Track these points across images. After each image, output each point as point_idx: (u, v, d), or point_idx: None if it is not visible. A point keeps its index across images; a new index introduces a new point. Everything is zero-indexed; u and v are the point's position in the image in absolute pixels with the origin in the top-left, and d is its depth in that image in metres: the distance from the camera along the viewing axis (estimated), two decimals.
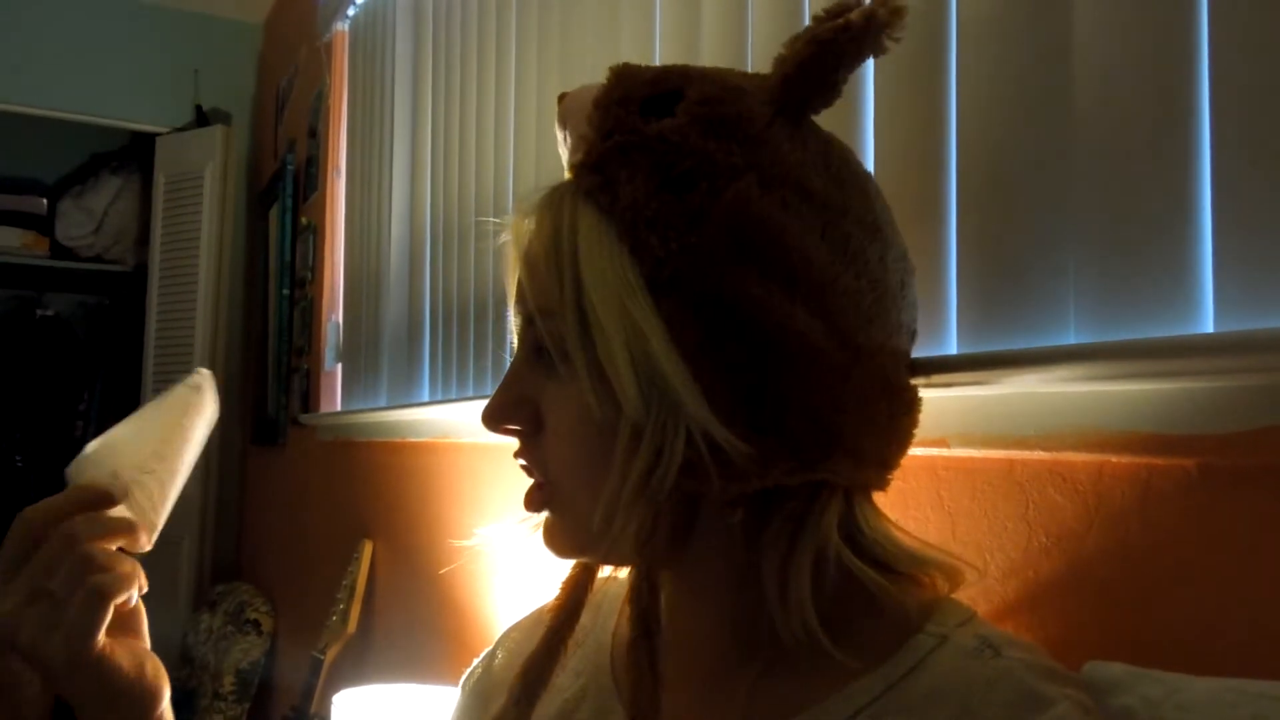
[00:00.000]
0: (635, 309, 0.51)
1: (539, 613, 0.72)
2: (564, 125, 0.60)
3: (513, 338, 0.63)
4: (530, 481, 0.60)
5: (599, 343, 0.52)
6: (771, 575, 0.53)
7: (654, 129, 0.54)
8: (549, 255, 0.55)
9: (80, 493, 0.63)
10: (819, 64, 0.54)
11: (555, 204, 0.56)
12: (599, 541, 0.55)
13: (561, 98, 0.61)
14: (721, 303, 0.51)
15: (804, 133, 0.56)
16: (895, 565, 0.55)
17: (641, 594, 0.54)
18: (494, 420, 0.59)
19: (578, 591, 0.65)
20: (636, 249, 0.52)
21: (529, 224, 0.57)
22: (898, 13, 0.53)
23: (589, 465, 0.55)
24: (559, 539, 0.60)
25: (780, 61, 0.56)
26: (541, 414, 0.58)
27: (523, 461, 0.60)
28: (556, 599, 0.65)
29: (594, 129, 0.55)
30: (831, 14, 0.55)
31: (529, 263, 0.57)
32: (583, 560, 0.65)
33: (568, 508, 0.58)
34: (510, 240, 0.60)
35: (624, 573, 0.71)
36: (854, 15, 0.54)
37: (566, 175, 0.59)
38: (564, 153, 0.61)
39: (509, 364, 0.61)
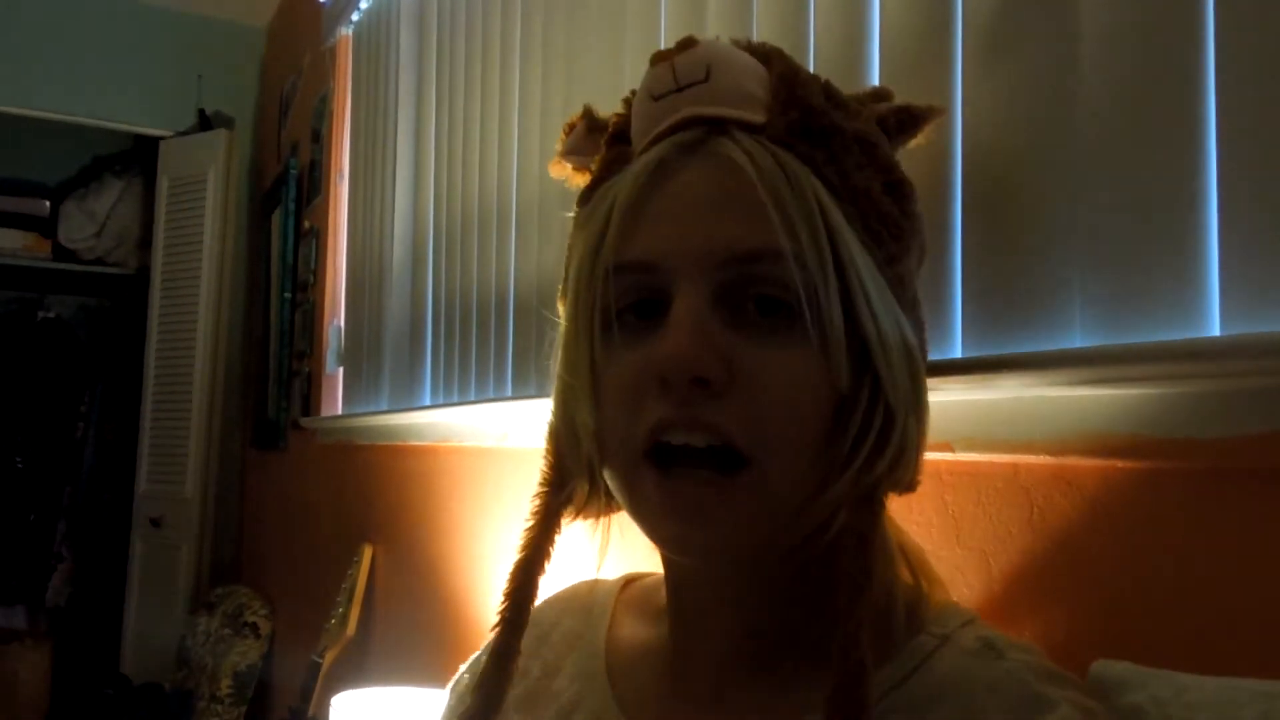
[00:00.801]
0: (889, 295, 0.52)
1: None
2: (702, 69, 0.54)
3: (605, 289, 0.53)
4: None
5: (866, 319, 0.50)
6: (847, 582, 0.50)
7: (858, 126, 0.55)
8: (794, 200, 0.50)
9: None
10: (902, 129, 0.61)
11: (769, 150, 0.51)
12: (780, 535, 0.53)
13: (688, 40, 0.55)
14: (915, 308, 0.56)
15: None
16: (916, 563, 0.57)
17: (858, 591, 0.49)
18: (691, 366, 0.49)
19: (524, 604, 0.62)
20: (867, 238, 0.52)
21: (736, 150, 0.51)
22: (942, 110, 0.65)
23: (808, 445, 0.50)
24: (724, 530, 0.51)
25: (864, 106, 0.60)
26: (736, 370, 0.49)
27: (675, 427, 0.50)
28: (500, 614, 0.62)
29: (790, 99, 0.54)
30: (880, 96, 0.64)
31: (771, 195, 0.49)
32: (527, 566, 0.62)
33: (762, 496, 0.50)
34: (642, 171, 0.53)
35: (612, 574, 0.71)
36: (933, 106, 0.63)
37: (658, 117, 0.55)
38: (674, 94, 0.54)
39: (677, 308, 0.50)
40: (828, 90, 0.57)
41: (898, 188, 0.55)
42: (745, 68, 0.55)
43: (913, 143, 0.64)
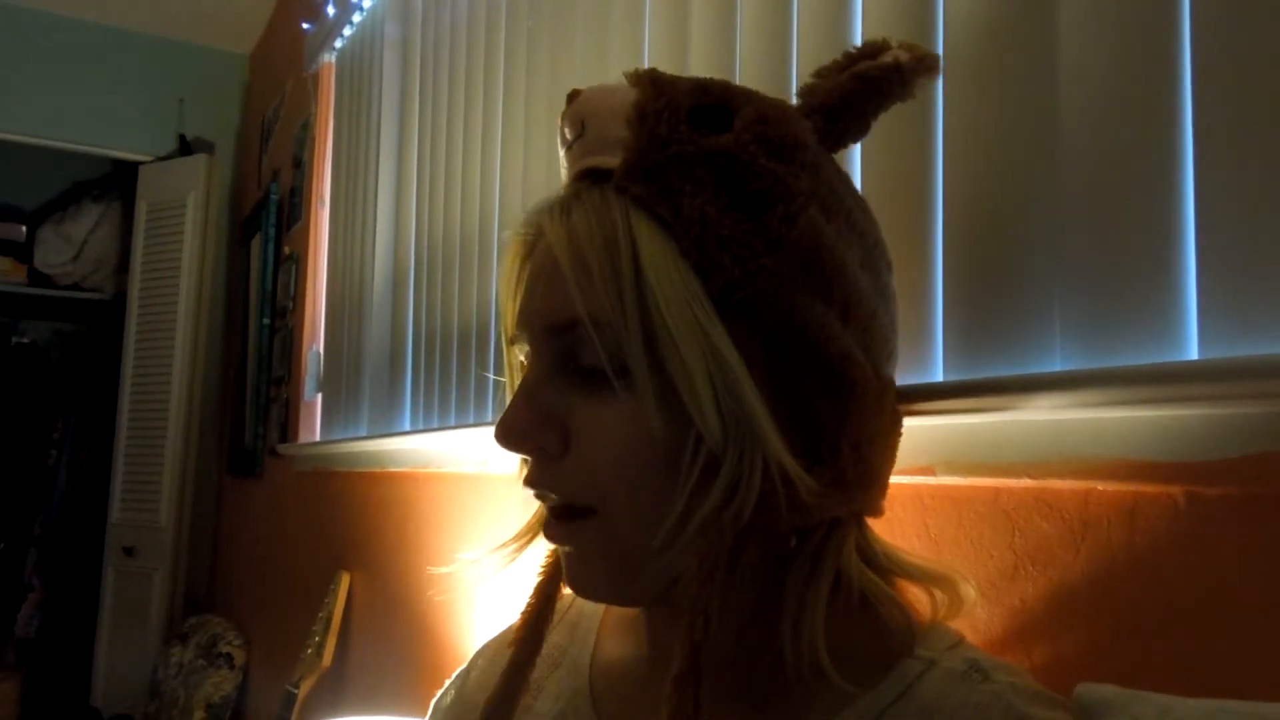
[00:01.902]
0: (712, 331, 0.49)
1: (510, 631, 0.71)
2: (578, 124, 0.55)
3: (518, 355, 0.59)
4: (522, 514, 0.59)
5: (672, 363, 0.49)
6: (792, 604, 0.52)
7: (714, 143, 0.51)
8: (602, 260, 0.50)
9: None
10: (863, 100, 0.57)
11: (598, 206, 0.51)
12: (642, 574, 0.53)
13: (574, 94, 0.56)
14: (791, 331, 0.50)
15: (835, 162, 0.57)
16: (912, 578, 0.56)
17: (695, 629, 0.49)
18: (519, 438, 0.54)
19: (540, 623, 0.63)
20: (704, 268, 0.49)
21: (555, 225, 0.52)
22: (935, 62, 0.58)
23: (642, 490, 0.51)
24: (593, 570, 0.55)
25: (813, 91, 0.58)
26: (569, 433, 0.53)
27: (532, 489, 0.56)
28: (518, 632, 0.63)
29: (638, 134, 0.52)
30: (865, 53, 0.59)
31: (573, 265, 0.51)
32: (546, 588, 0.63)
33: (610, 536, 0.53)
34: (518, 242, 0.57)
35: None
36: (902, 58, 0.57)
37: (566, 174, 0.57)
38: (566, 152, 0.57)
39: (521, 380, 0.56)
40: (713, 102, 0.53)
41: (758, 199, 0.50)
42: (614, 111, 0.53)
43: (904, 101, 0.60)
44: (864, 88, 0.57)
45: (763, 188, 0.51)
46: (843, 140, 0.59)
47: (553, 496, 0.55)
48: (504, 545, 0.63)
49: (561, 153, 0.58)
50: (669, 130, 0.51)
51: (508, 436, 0.54)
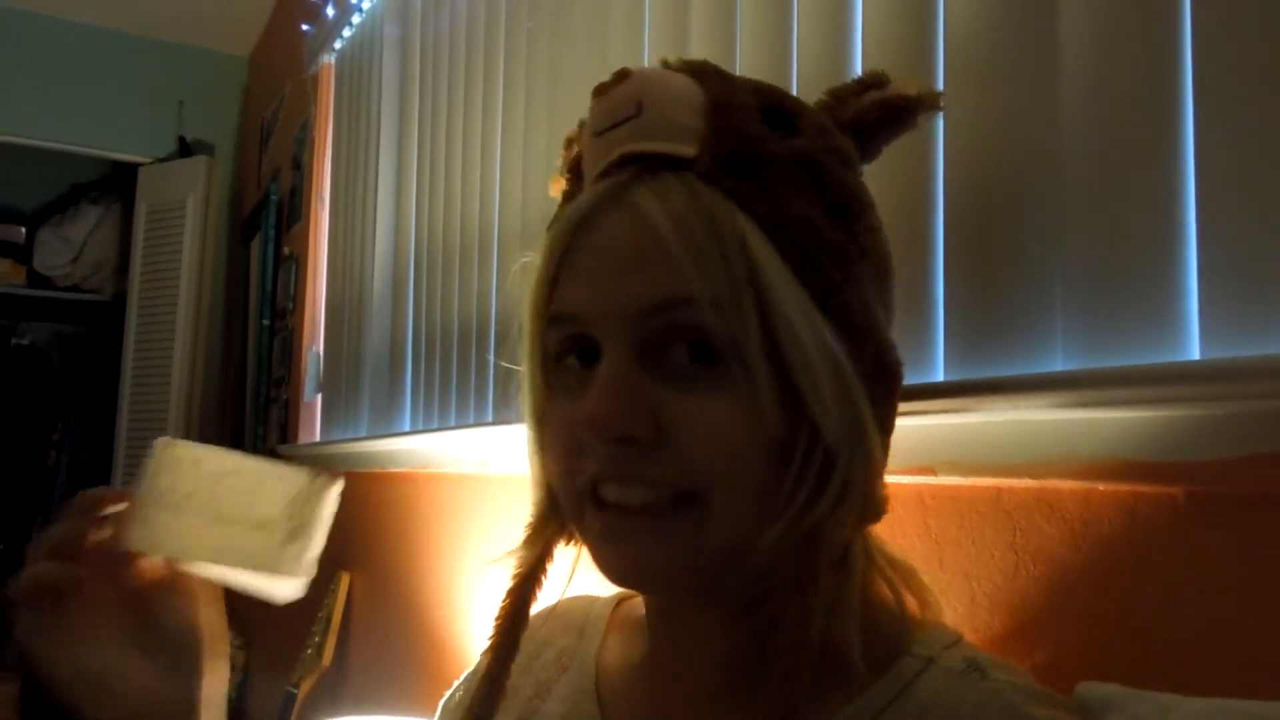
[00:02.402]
0: (823, 329, 0.49)
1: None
2: (632, 104, 0.53)
3: (550, 341, 0.55)
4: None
5: (793, 356, 0.48)
6: (825, 601, 0.51)
7: (799, 146, 0.52)
8: (710, 243, 0.48)
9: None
10: (886, 126, 0.59)
11: (692, 191, 0.50)
12: (732, 568, 0.52)
13: (625, 73, 0.54)
14: (871, 337, 0.52)
15: None
16: (906, 581, 0.57)
17: (802, 630, 0.49)
18: (617, 423, 0.49)
19: (515, 629, 0.62)
20: (803, 269, 0.49)
21: (652, 201, 0.50)
22: (939, 99, 0.61)
23: (750, 482, 0.50)
24: (668, 559, 0.51)
25: (835, 109, 0.59)
26: (662, 421, 0.50)
27: (612, 482, 0.52)
28: (492, 638, 0.62)
29: (720, 128, 0.51)
30: (874, 83, 0.60)
31: (684, 243, 0.48)
32: (520, 592, 0.61)
33: (711, 530, 0.50)
34: (568, 220, 0.53)
35: (606, 591, 0.70)
36: (921, 91, 0.59)
37: (597, 151, 0.54)
38: (608, 129, 0.54)
39: (604, 367, 0.51)
40: (776, 104, 0.54)
41: (845, 207, 0.52)
42: (677, 97, 0.52)
43: (909, 132, 0.61)
44: (888, 114, 0.59)
45: (847, 198, 0.53)
46: (863, 160, 0.60)
47: (635, 493, 0.51)
48: (517, 550, 0.62)
49: (592, 131, 0.55)
50: (755, 128, 0.51)
51: (600, 424, 0.50)
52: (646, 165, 0.52)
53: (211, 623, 0.59)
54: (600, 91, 0.54)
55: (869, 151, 0.60)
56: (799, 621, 0.49)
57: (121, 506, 0.58)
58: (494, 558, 0.64)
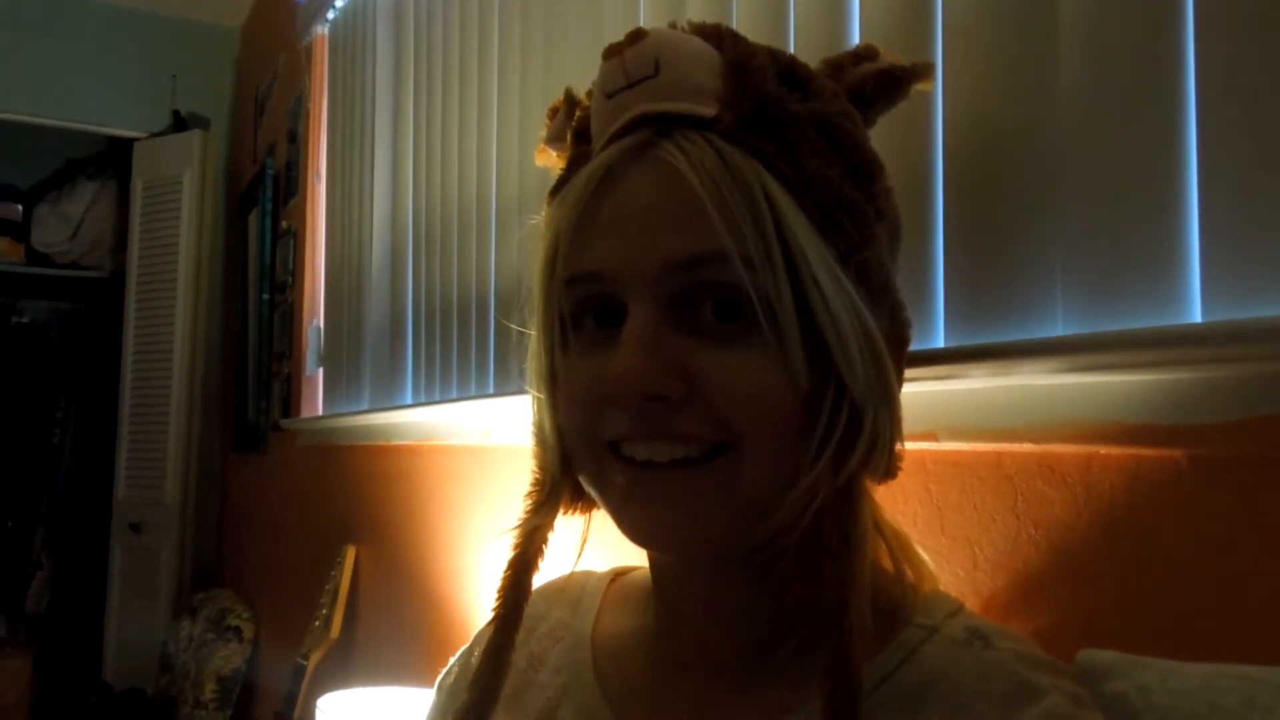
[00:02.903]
0: (849, 287, 0.50)
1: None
2: (649, 63, 0.52)
3: (569, 300, 0.54)
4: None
5: (822, 314, 0.49)
6: (832, 559, 0.50)
7: (817, 108, 0.52)
8: (739, 201, 0.48)
9: None
10: (880, 96, 0.59)
11: (712, 149, 0.49)
12: (758, 522, 0.51)
13: (640, 33, 0.53)
14: (888, 296, 0.53)
15: None
16: (902, 552, 0.57)
17: (843, 589, 0.49)
18: (645, 385, 0.49)
19: (518, 600, 0.62)
20: (825, 228, 0.50)
21: (682, 157, 0.49)
22: (931, 70, 0.63)
23: (781, 436, 0.50)
24: (700, 515, 0.51)
25: (833, 76, 0.58)
26: (691, 378, 0.49)
27: (639, 442, 0.51)
28: (496, 611, 0.62)
29: (742, 88, 0.51)
30: (865, 55, 0.60)
31: (714, 199, 0.48)
32: (521, 563, 0.61)
33: (742, 482, 0.50)
34: (591, 175, 0.53)
35: (602, 566, 0.70)
36: (915, 64, 0.60)
37: (610, 111, 0.54)
38: (623, 89, 0.53)
39: (628, 325, 0.50)
40: (788, 68, 0.54)
41: (861, 169, 0.53)
42: (695, 57, 0.52)
43: (901, 103, 0.61)
44: (889, 84, 0.59)
45: (863, 159, 0.53)
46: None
47: (662, 450, 0.51)
48: (525, 521, 0.61)
49: (605, 89, 0.54)
50: (774, 88, 0.52)
51: (628, 383, 0.49)
52: (665, 125, 0.51)
53: None
54: (613, 52, 0.53)
55: (866, 120, 0.59)
56: (847, 581, 0.49)
57: None
58: (501, 530, 0.63)
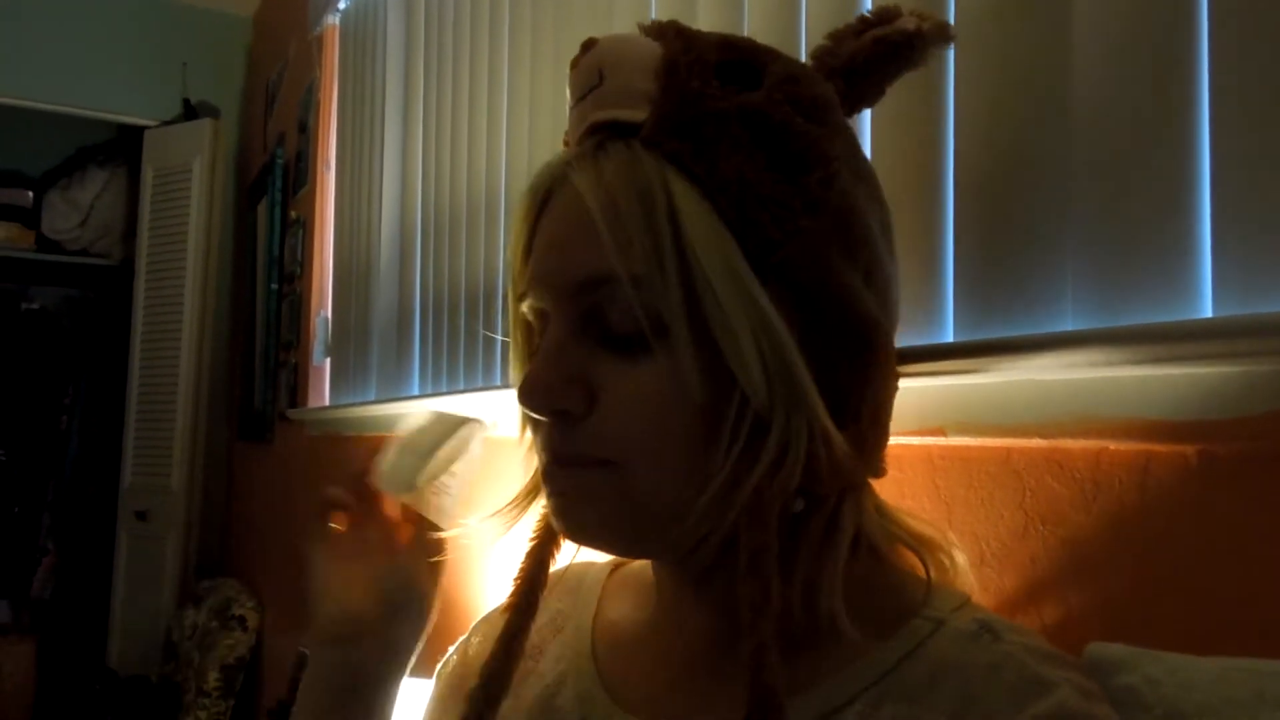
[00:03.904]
0: (754, 290, 0.48)
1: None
2: (595, 73, 0.53)
3: (525, 312, 0.57)
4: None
5: (716, 322, 0.48)
6: (805, 565, 0.51)
7: (748, 100, 0.50)
8: (637, 214, 0.48)
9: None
10: (883, 64, 0.57)
11: (628, 160, 0.50)
12: (659, 532, 0.52)
13: (590, 43, 0.54)
14: (824, 293, 0.50)
15: (851, 126, 0.57)
16: (911, 544, 0.56)
17: (760, 596, 0.48)
18: (545, 398, 0.51)
19: (534, 589, 0.63)
20: (741, 227, 0.48)
21: (585, 176, 0.50)
22: (949, 31, 0.59)
23: (672, 451, 0.50)
24: (598, 514, 0.53)
25: (830, 53, 0.57)
26: (595, 393, 0.51)
27: (549, 453, 0.54)
28: (511, 597, 0.63)
29: (667, 88, 0.50)
30: (880, 19, 0.58)
31: (607, 218, 0.49)
32: (539, 552, 0.63)
33: (625, 489, 0.51)
34: (531, 195, 0.55)
35: (603, 556, 0.70)
36: (923, 25, 0.57)
37: (575, 126, 0.54)
38: (577, 103, 0.55)
39: (541, 339, 0.54)
40: (740, 58, 0.53)
41: (795, 160, 0.50)
42: (637, 62, 0.52)
43: (917, 68, 0.60)
44: (885, 51, 0.57)
45: (800, 148, 0.50)
46: (859, 104, 0.59)
47: (575, 456, 0.53)
48: (505, 508, 0.63)
49: (570, 103, 0.56)
50: (701, 85, 0.50)
51: (532, 398, 0.52)
52: (610, 134, 0.52)
53: (432, 595, 0.68)
54: (573, 64, 0.55)
55: (865, 96, 0.58)
56: (760, 590, 0.48)
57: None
58: (494, 513, 0.64)
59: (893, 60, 0.57)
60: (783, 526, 0.51)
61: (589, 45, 0.54)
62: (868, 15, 0.59)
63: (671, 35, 0.53)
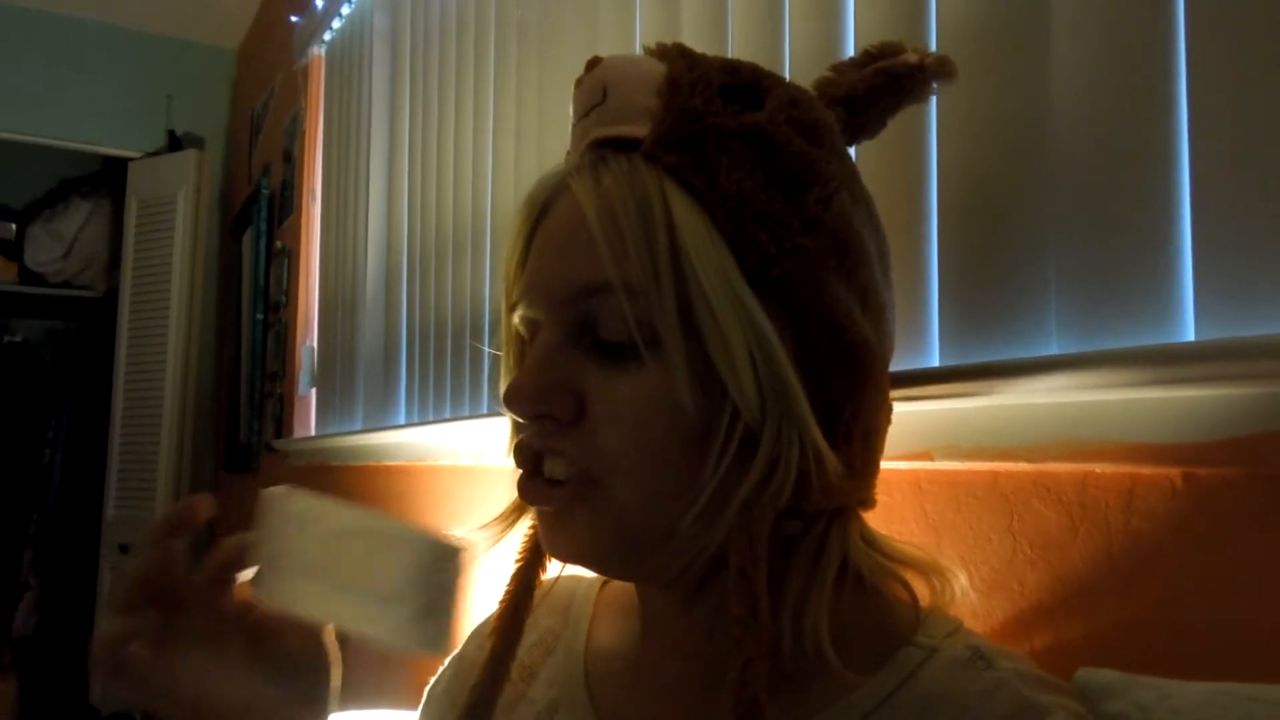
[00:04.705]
0: (749, 304, 0.48)
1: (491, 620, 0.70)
2: (599, 91, 0.54)
3: (516, 323, 0.57)
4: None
5: (709, 335, 0.48)
6: (794, 591, 0.51)
7: (750, 119, 0.51)
8: (635, 225, 0.49)
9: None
10: (886, 96, 0.58)
11: (628, 172, 0.50)
12: (650, 551, 0.52)
13: (595, 61, 0.55)
14: (819, 312, 0.50)
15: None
16: (901, 571, 0.55)
17: (749, 613, 0.48)
18: (529, 403, 0.51)
19: (519, 611, 0.62)
20: (739, 242, 0.49)
21: (585, 187, 0.51)
22: (953, 67, 0.60)
23: (662, 466, 0.50)
24: (584, 537, 0.53)
25: (834, 83, 0.59)
26: (584, 402, 0.51)
27: (528, 455, 0.53)
28: (496, 621, 0.62)
29: (670, 104, 0.51)
30: (884, 52, 0.60)
31: (604, 228, 0.49)
32: (524, 574, 0.62)
33: (613, 512, 0.51)
34: (529, 205, 0.55)
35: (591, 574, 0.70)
36: (927, 60, 0.59)
37: (577, 143, 0.55)
38: (580, 119, 0.55)
39: (532, 347, 0.54)
40: (744, 81, 0.54)
41: (793, 178, 0.50)
42: (640, 80, 0.53)
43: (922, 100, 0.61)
44: (887, 83, 0.58)
45: (798, 168, 0.51)
46: (860, 135, 0.60)
47: (557, 468, 0.52)
48: (489, 524, 0.62)
49: (573, 120, 0.56)
50: (704, 103, 0.51)
51: (517, 400, 0.51)
52: (615, 149, 0.52)
53: (332, 645, 0.59)
54: (578, 82, 0.56)
55: (866, 126, 0.59)
56: (748, 606, 0.48)
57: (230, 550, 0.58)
58: (479, 528, 0.63)
59: (895, 92, 0.59)
60: (775, 547, 0.51)
61: (594, 64, 0.55)
62: (871, 49, 0.61)
63: (676, 56, 0.54)
